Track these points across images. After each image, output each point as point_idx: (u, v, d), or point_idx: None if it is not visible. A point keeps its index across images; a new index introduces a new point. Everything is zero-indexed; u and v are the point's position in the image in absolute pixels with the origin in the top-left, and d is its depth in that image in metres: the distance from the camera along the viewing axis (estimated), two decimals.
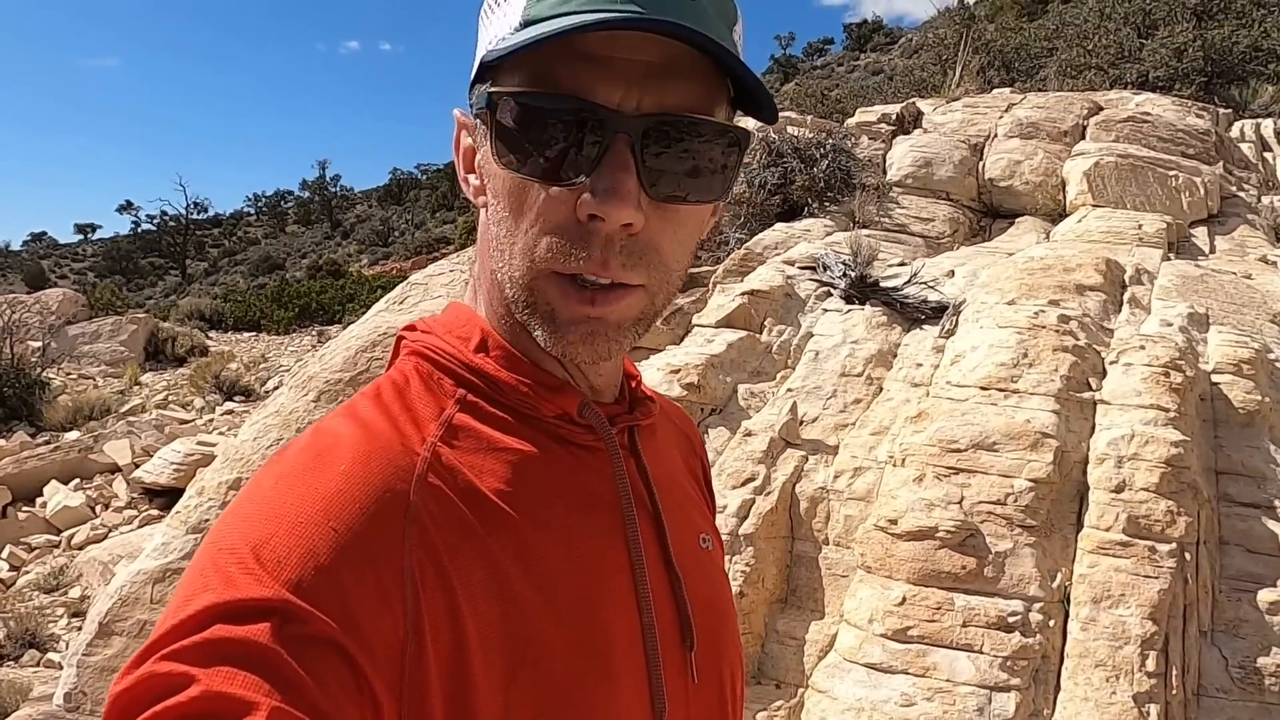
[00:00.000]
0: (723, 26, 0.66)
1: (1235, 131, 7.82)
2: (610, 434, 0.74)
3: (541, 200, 0.65)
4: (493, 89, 0.66)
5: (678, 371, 4.04)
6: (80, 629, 5.26)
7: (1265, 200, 6.55)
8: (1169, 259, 5.27)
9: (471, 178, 0.73)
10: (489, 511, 0.66)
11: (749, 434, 3.81)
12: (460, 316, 0.75)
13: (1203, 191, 6.12)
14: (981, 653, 2.89)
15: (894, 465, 3.48)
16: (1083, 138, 6.87)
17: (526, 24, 0.64)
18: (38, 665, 5.75)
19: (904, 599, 3.02)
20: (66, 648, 5.61)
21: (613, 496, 0.73)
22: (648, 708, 0.70)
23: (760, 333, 4.47)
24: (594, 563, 0.69)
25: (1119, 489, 3.17)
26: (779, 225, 5.95)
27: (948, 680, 2.84)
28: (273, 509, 0.60)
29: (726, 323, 4.48)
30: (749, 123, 0.80)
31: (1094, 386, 3.60)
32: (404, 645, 0.59)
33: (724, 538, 3.43)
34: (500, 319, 0.73)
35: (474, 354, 0.72)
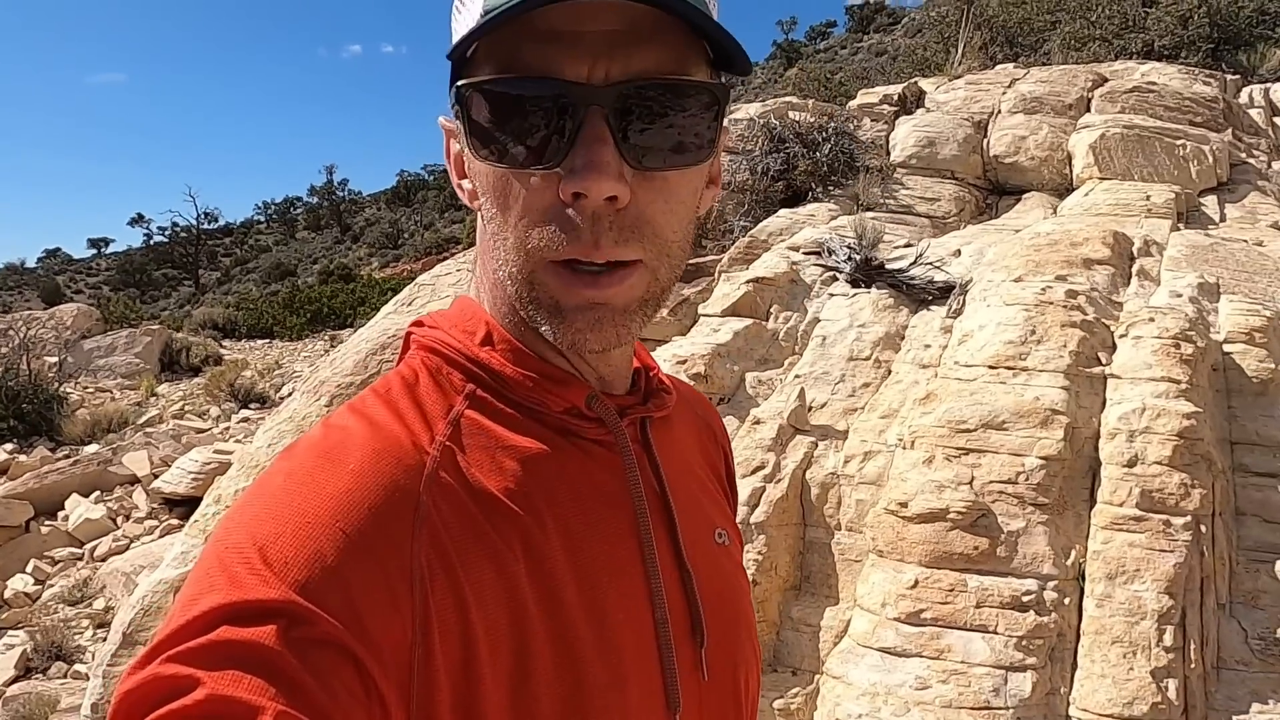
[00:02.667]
0: None
1: (1244, 97, 7.71)
2: (620, 427, 0.73)
3: (526, 190, 0.63)
4: (461, 83, 0.64)
5: (684, 362, 4.03)
6: (105, 640, 5.31)
7: (1276, 166, 6.46)
8: (1178, 229, 5.21)
9: (465, 183, 0.72)
10: (498, 511, 0.65)
11: (758, 422, 3.80)
12: (466, 311, 0.74)
13: (1211, 159, 6.05)
14: (996, 633, 2.87)
15: (904, 448, 3.47)
16: (1088, 110, 6.80)
17: (488, 11, 0.61)
18: (65, 677, 5.81)
19: (916, 582, 3.01)
20: (93, 659, 5.67)
21: (624, 492, 0.72)
22: (661, 705, 0.69)
23: (767, 320, 4.46)
24: (605, 561, 0.68)
25: (1131, 463, 3.14)
26: (783, 211, 5.93)
27: (962, 662, 2.83)
28: (280, 508, 0.59)
29: (732, 311, 4.47)
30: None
31: (1104, 361, 3.57)
32: (412, 647, 0.58)
33: None
34: (505, 317, 0.72)
35: (479, 348, 0.71)
